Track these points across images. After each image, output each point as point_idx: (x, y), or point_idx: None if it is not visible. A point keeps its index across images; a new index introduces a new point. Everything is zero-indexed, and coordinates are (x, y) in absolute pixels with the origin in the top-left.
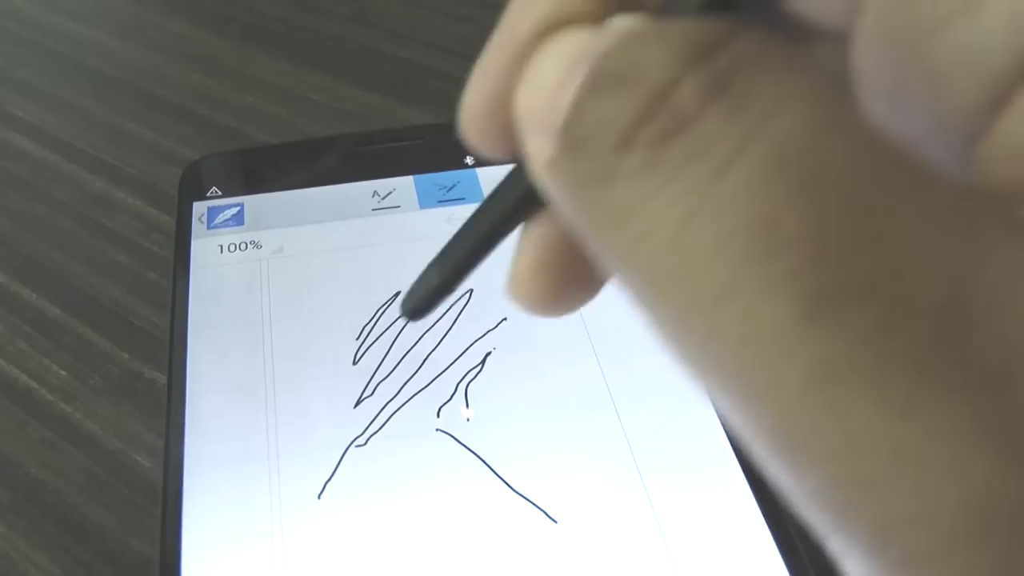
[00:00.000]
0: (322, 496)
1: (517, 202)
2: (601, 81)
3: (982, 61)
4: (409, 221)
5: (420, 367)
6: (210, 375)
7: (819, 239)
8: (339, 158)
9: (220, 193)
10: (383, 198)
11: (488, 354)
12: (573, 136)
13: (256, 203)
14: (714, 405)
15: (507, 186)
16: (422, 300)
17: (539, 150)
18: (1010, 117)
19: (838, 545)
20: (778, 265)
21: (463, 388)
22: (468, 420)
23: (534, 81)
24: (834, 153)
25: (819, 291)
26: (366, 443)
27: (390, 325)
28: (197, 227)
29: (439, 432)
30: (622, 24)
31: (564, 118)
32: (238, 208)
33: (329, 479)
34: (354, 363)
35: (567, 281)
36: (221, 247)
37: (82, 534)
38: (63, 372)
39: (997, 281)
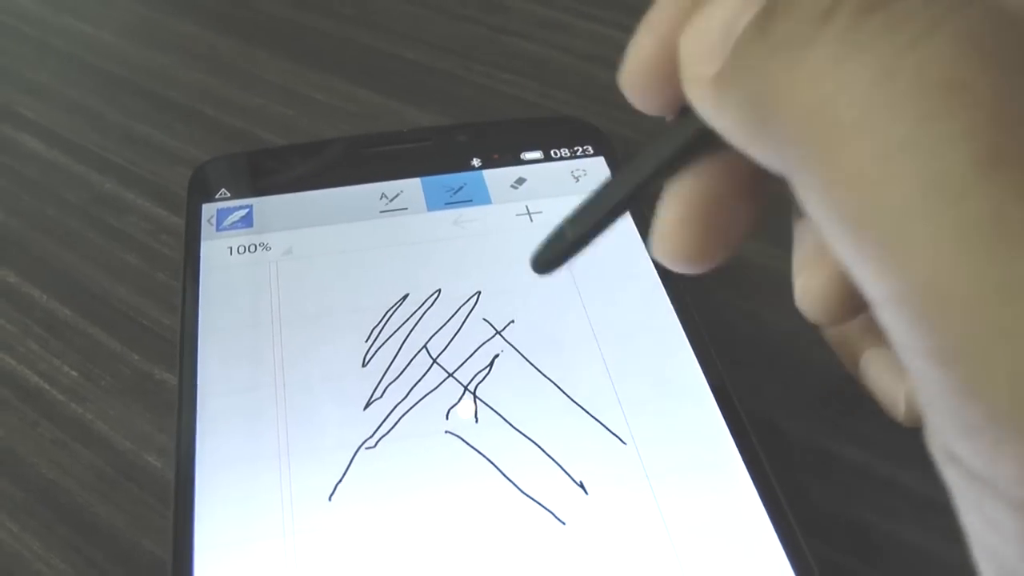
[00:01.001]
0: (333, 497)
1: (677, 152)
2: None
3: None
4: (417, 223)
5: (429, 369)
6: (220, 376)
7: (999, 103)
8: (347, 160)
9: (229, 195)
10: (391, 200)
11: (496, 356)
12: (770, 10)
13: (265, 205)
14: (857, 278)
15: (665, 138)
16: (562, 250)
17: (707, 69)
18: None
19: (956, 407)
20: (960, 121)
21: (472, 390)
22: (475, 419)
23: (701, 25)
24: (1013, 43)
25: (997, 147)
26: (376, 445)
27: (399, 327)
28: (206, 229)
29: (448, 434)
30: None
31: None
32: (247, 210)
33: (340, 480)
34: (363, 365)
35: (711, 234)
36: (230, 249)
37: (93, 534)
38: (74, 373)
39: None
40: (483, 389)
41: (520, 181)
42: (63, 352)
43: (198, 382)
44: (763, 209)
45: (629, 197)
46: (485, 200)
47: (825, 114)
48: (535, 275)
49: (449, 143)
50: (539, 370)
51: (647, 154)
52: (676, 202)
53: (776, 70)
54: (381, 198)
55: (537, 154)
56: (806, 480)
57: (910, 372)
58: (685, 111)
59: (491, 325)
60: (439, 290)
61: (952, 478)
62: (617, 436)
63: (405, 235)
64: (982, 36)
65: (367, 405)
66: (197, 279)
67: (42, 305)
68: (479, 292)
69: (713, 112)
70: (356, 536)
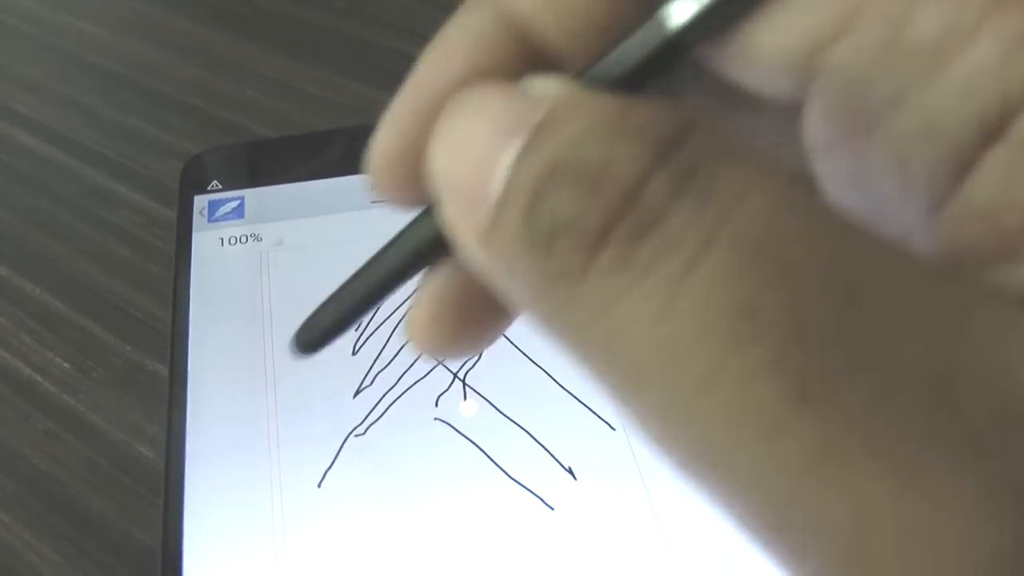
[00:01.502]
0: (322, 484)
1: (423, 248)
2: (563, 175)
3: (943, 131)
4: (409, 213)
5: (418, 357)
6: (211, 366)
7: (800, 321)
8: (338, 151)
9: (220, 186)
10: None
11: None
12: (537, 233)
13: (256, 196)
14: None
15: (413, 231)
16: (316, 337)
17: (468, 220)
18: (975, 182)
19: None
20: (760, 350)
21: (461, 377)
22: (470, 413)
23: (454, 142)
24: (802, 236)
25: (806, 373)
26: (365, 432)
27: (389, 315)
28: (198, 220)
29: (437, 421)
30: (547, 88)
31: (521, 208)
32: (239, 201)
33: (329, 468)
34: (353, 353)
35: (468, 325)
36: (222, 240)
37: (85, 524)
38: (66, 365)
39: (979, 345)
40: (473, 376)
41: None
42: (56, 344)
43: (189, 372)
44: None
45: (381, 290)
46: None
47: (613, 354)
48: (296, 357)
49: None
50: (528, 357)
51: (408, 233)
52: (430, 291)
53: (549, 303)
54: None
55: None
56: None
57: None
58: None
59: None
60: None
61: None
62: (606, 422)
63: (396, 225)
64: (766, 237)
65: (356, 393)
66: (188, 270)
67: (35, 298)
68: None
69: (484, 262)
70: (345, 522)
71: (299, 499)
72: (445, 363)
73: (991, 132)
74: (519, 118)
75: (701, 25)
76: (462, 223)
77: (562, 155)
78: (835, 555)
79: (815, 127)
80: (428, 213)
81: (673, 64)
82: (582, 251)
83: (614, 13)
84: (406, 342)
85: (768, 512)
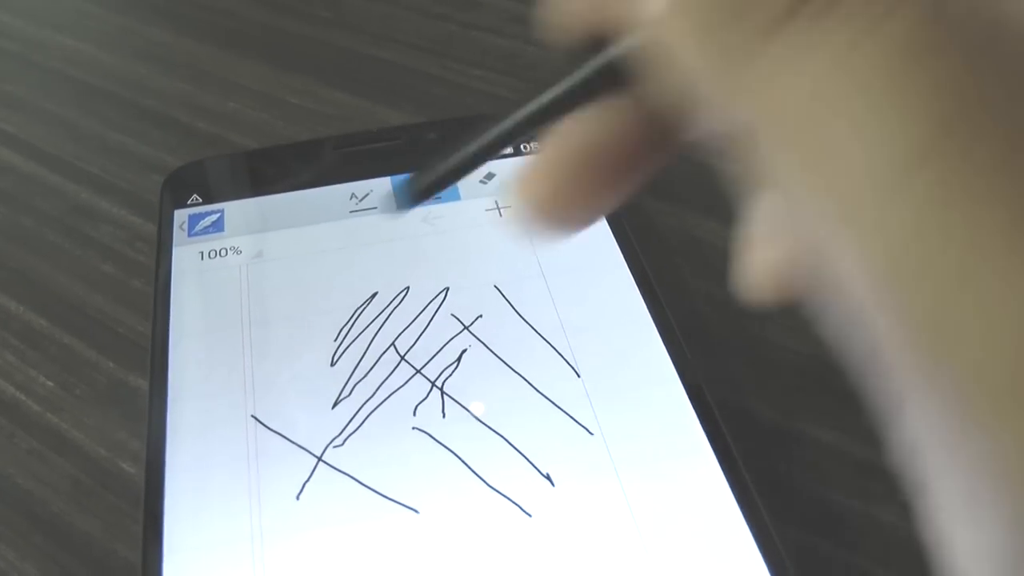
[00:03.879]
0: (300, 497)
1: (584, 82)
2: None
3: None
4: (386, 222)
5: (396, 367)
6: (191, 381)
7: (958, 79)
8: (317, 161)
9: (201, 200)
10: (360, 200)
11: (464, 351)
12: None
13: (236, 209)
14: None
15: (569, 73)
16: (438, 179)
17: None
18: None
19: (920, 390)
20: (913, 98)
21: (439, 386)
22: (443, 414)
23: None
24: (967, 27)
25: (947, 118)
26: (344, 443)
27: (367, 326)
28: (178, 234)
29: (415, 431)
30: None
31: None
32: (218, 214)
33: (307, 480)
34: (332, 364)
35: (586, 188)
36: (202, 254)
37: (68, 543)
38: (50, 383)
39: None
40: (451, 384)
41: (489, 176)
42: (39, 363)
43: (169, 387)
44: (647, 177)
45: (525, 125)
46: (454, 196)
47: (789, 100)
48: (395, 211)
49: (419, 141)
50: (507, 363)
51: (545, 91)
52: (559, 142)
53: (727, 66)
54: (351, 198)
55: (507, 148)
56: (779, 464)
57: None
58: (596, 43)
59: (459, 320)
60: (407, 287)
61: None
62: (584, 427)
63: (374, 234)
64: (945, 15)
65: (335, 404)
66: (169, 285)
67: (18, 316)
68: (447, 288)
69: (665, 48)
70: (324, 534)
71: (278, 512)
72: (420, 367)
73: None
74: None
75: None
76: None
77: None
78: (938, 293)
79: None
80: (584, 55)
81: None
82: (769, 20)
83: None
84: (384, 352)
85: (890, 255)
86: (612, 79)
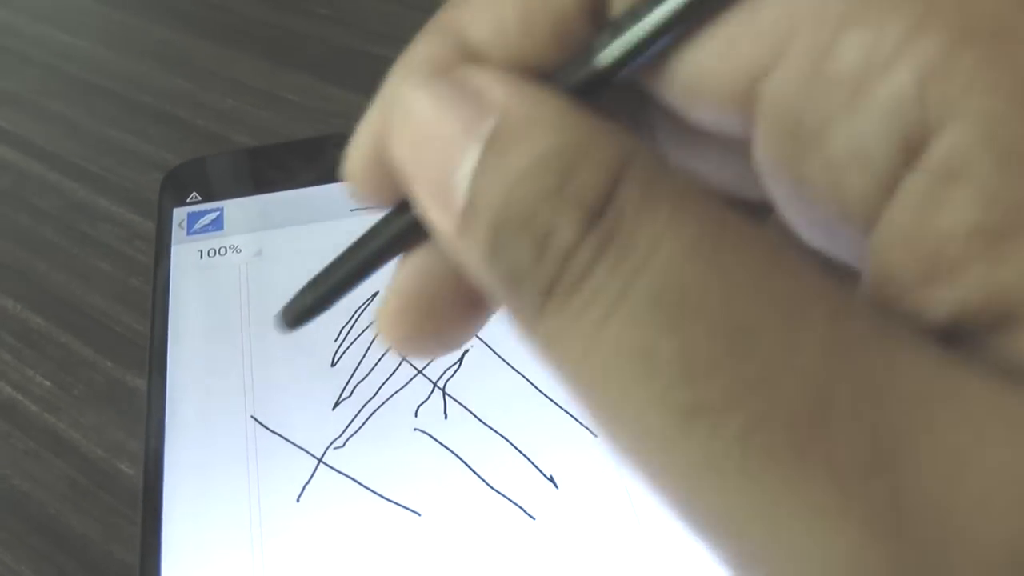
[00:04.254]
0: (301, 499)
1: (400, 234)
2: (517, 226)
3: (869, 156)
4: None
5: (398, 367)
6: (190, 380)
7: (686, 362)
8: (316, 160)
9: (200, 198)
10: None
11: (466, 352)
12: (501, 271)
13: (235, 207)
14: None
15: (391, 219)
16: (298, 316)
17: (439, 214)
18: (897, 207)
19: None
20: (654, 385)
21: (441, 386)
22: (444, 415)
23: (413, 134)
24: (700, 282)
25: (690, 406)
26: (344, 444)
27: (368, 326)
28: (177, 233)
29: (417, 431)
30: (492, 89)
31: (485, 239)
32: (217, 213)
33: (308, 481)
34: (332, 365)
35: (438, 321)
36: (201, 252)
37: (65, 544)
38: (47, 382)
39: (857, 381)
40: (452, 385)
41: None
42: (36, 362)
43: (168, 387)
44: (485, 313)
45: (361, 271)
46: None
47: (563, 374)
48: (281, 331)
49: None
50: (509, 364)
51: (381, 225)
52: (398, 289)
53: (515, 317)
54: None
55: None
56: None
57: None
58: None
59: None
60: None
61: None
62: (588, 429)
63: None
64: (669, 288)
65: (336, 405)
66: (167, 284)
67: (15, 315)
68: None
69: (456, 253)
70: (324, 536)
71: (278, 513)
72: (413, 362)
73: (912, 157)
74: (472, 120)
75: (627, 62)
76: (434, 215)
77: (515, 196)
78: (725, 549)
79: (760, 156)
80: (404, 205)
81: (604, 92)
82: (537, 297)
83: (560, 47)
84: (385, 352)
85: (676, 503)
86: (418, 235)
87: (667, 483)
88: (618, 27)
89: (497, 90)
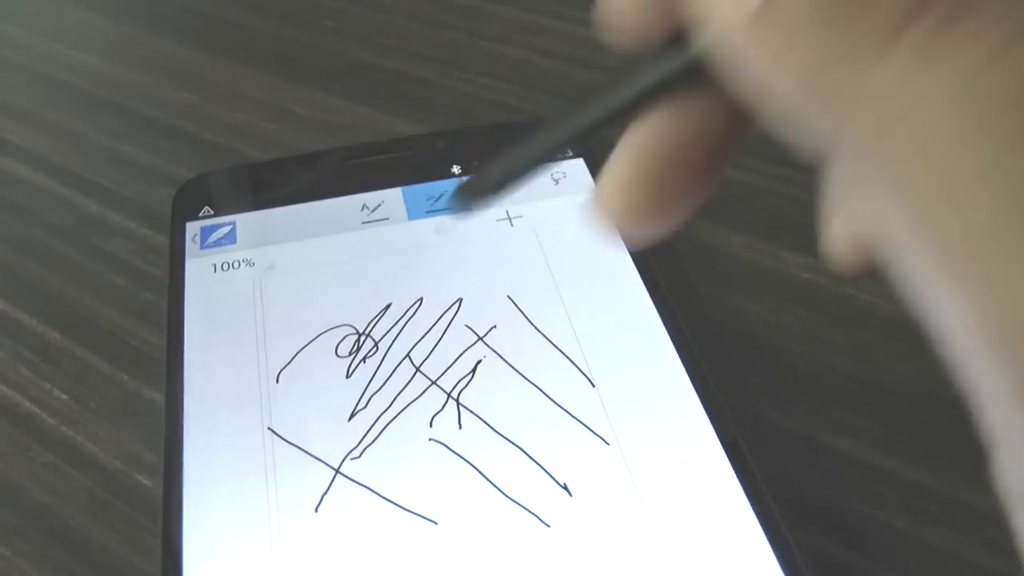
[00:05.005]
0: (319, 509)
1: (649, 86)
2: None
3: None
4: (398, 233)
5: (412, 378)
6: (206, 393)
7: None
8: (327, 172)
9: (212, 212)
10: (372, 211)
11: (479, 362)
12: (837, 8)
13: (248, 221)
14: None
15: (638, 70)
16: (508, 174)
17: (734, 5)
18: None
19: (995, 383)
20: None
21: (455, 397)
22: (459, 425)
23: None
24: None
25: None
26: (361, 455)
27: (382, 337)
28: (190, 247)
29: (432, 442)
30: None
31: None
32: (230, 226)
33: (325, 492)
34: (347, 376)
35: (667, 192)
36: (214, 266)
37: (85, 556)
38: (64, 396)
39: None
40: (466, 395)
41: None
42: (53, 376)
43: (184, 400)
44: (724, 171)
45: (603, 122)
46: None
47: (897, 129)
48: (455, 214)
49: (429, 151)
50: (522, 374)
51: (619, 83)
52: (634, 150)
53: (843, 69)
54: (363, 209)
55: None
56: (793, 471)
57: (980, 407)
58: (672, 40)
59: (473, 331)
60: (421, 298)
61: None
62: (600, 437)
63: (387, 245)
64: None
65: (352, 416)
66: (182, 298)
67: (31, 330)
68: (461, 299)
69: (752, 64)
70: (343, 547)
71: (297, 524)
72: (436, 378)
73: None
74: None
75: None
76: (727, 8)
77: None
78: None
79: None
80: (658, 52)
81: None
82: (889, 28)
83: None
84: (399, 364)
85: (1009, 312)
86: (686, 78)
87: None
88: None
89: None
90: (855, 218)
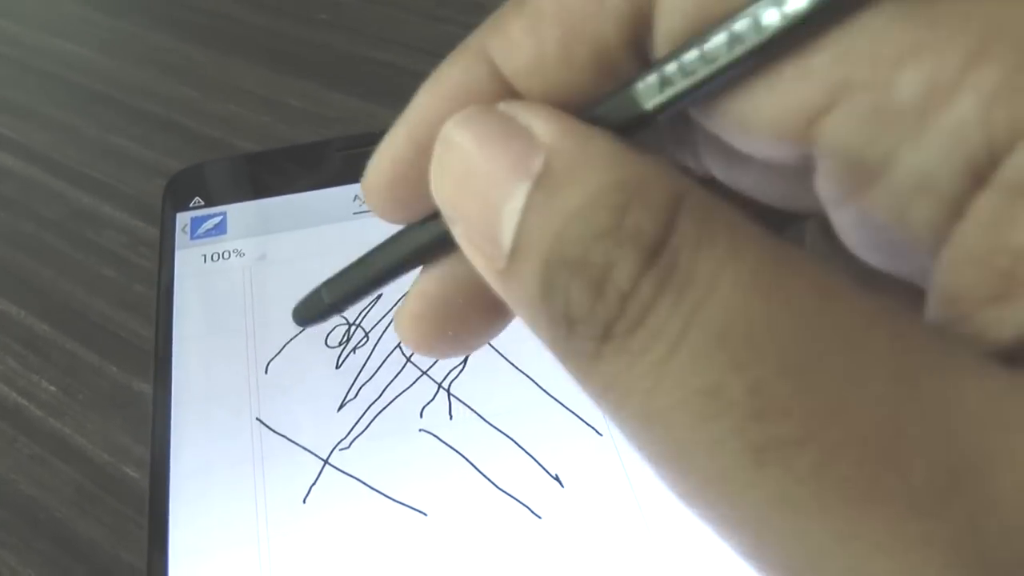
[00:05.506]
0: (307, 500)
1: (425, 246)
2: (571, 268)
3: (935, 183)
4: (389, 223)
5: (402, 368)
6: (194, 384)
7: (755, 400)
8: (319, 164)
9: (203, 203)
10: (363, 202)
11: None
12: (554, 313)
13: (238, 211)
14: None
15: (416, 230)
16: (315, 313)
17: (481, 252)
18: (966, 228)
19: None
20: (724, 424)
21: (446, 387)
22: (449, 415)
23: (457, 170)
24: (764, 316)
25: (762, 443)
26: (350, 446)
27: (372, 328)
28: (180, 238)
29: (422, 432)
30: (539, 125)
31: (537, 279)
32: (221, 217)
33: (314, 483)
34: (337, 367)
35: (458, 324)
36: (204, 257)
37: (72, 548)
38: (52, 388)
39: (927, 410)
40: (457, 386)
41: None
42: (41, 368)
43: (172, 391)
44: (504, 321)
45: (379, 279)
46: None
47: (620, 418)
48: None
49: None
50: (513, 364)
51: (404, 236)
52: (420, 292)
53: (568, 360)
54: (354, 200)
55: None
56: None
57: None
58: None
59: None
60: None
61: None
62: (593, 427)
63: (378, 235)
64: (732, 324)
65: (341, 406)
66: (171, 289)
67: (20, 322)
68: None
69: (499, 290)
70: (331, 537)
71: (284, 515)
72: (418, 363)
73: (979, 179)
74: (520, 158)
75: (674, 104)
76: (476, 253)
77: (568, 235)
78: None
79: (821, 186)
80: (431, 217)
81: (648, 128)
82: (593, 340)
83: (600, 79)
84: (390, 354)
85: (747, 548)
86: (444, 248)
87: (739, 524)
88: (664, 74)
89: (544, 127)
90: None
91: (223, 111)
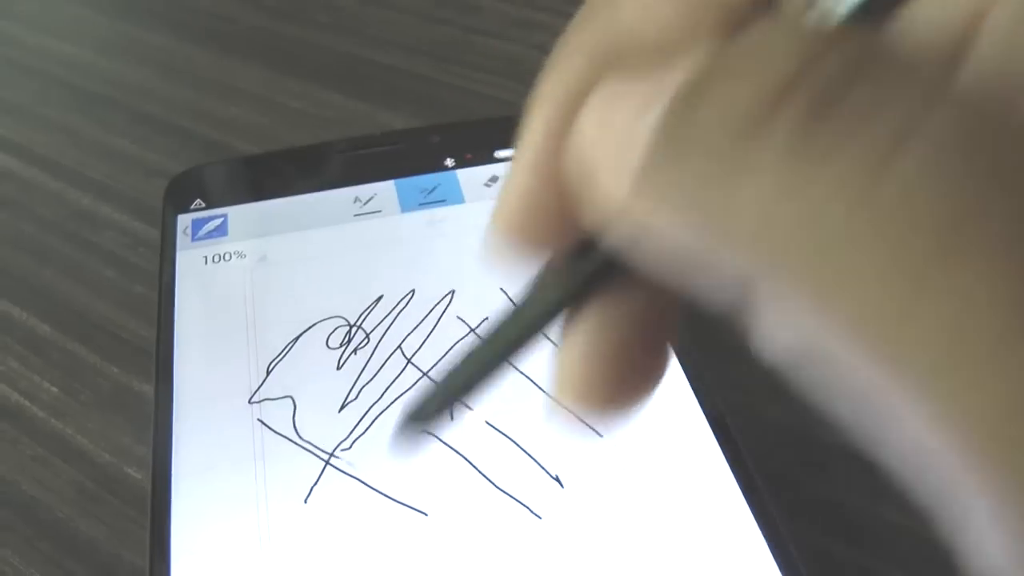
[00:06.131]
0: (308, 500)
1: (561, 299)
2: (706, 80)
3: None
4: (390, 225)
5: (403, 370)
6: (196, 385)
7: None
8: (320, 165)
9: (204, 205)
10: (364, 203)
11: None
12: (676, 137)
13: (239, 213)
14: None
15: (538, 292)
16: (437, 409)
17: (618, 173)
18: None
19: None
20: (981, 269)
21: None
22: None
23: (598, 116)
24: (986, 137)
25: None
26: (351, 446)
27: (373, 329)
28: (181, 239)
29: (422, 433)
30: (685, 69)
31: (657, 125)
32: (222, 219)
33: (315, 483)
34: (338, 368)
35: (625, 374)
36: (205, 258)
37: (74, 548)
38: (54, 388)
39: None
40: None
41: (494, 179)
42: (43, 369)
43: (174, 392)
44: (672, 344)
45: (516, 347)
46: (458, 200)
47: (790, 262)
48: (410, 434)
49: (422, 145)
50: (514, 365)
51: (531, 302)
52: (578, 340)
53: (710, 197)
54: (355, 201)
55: (511, 152)
56: (789, 464)
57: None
58: (581, 246)
59: (465, 323)
60: (413, 290)
61: None
62: (592, 428)
63: (379, 237)
64: (976, 135)
65: (342, 407)
66: (172, 290)
67: (22, 323)
68: (453, 291)
69: (640, 241)
70: (332, 538)
71: (286, 516)
72: (427, 369)
73: None
74: (665, 84)
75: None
76: (613, 180)
77: (714, 73)
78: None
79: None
80: (565, 261)
81: None
82: (736, 139)
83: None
84: (390, 355)
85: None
86: (603, 279)
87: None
88: None
89: (677, 65)
90: (781, 342)
91: (223, 112)
